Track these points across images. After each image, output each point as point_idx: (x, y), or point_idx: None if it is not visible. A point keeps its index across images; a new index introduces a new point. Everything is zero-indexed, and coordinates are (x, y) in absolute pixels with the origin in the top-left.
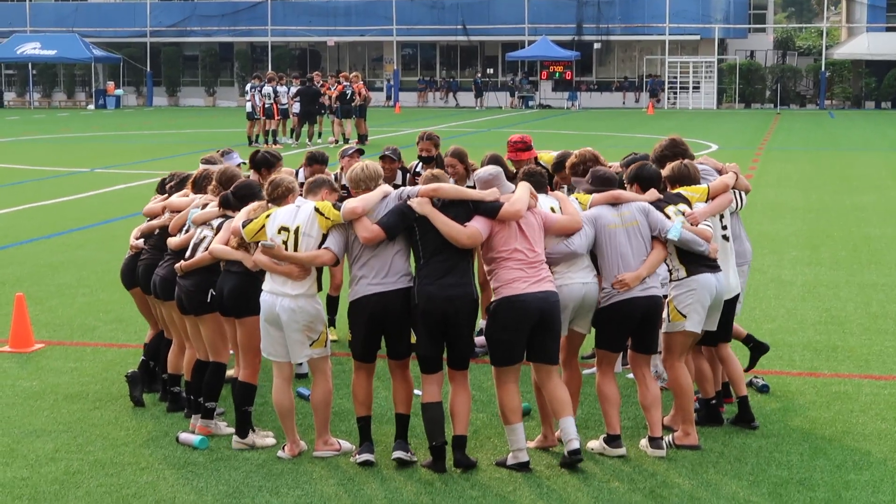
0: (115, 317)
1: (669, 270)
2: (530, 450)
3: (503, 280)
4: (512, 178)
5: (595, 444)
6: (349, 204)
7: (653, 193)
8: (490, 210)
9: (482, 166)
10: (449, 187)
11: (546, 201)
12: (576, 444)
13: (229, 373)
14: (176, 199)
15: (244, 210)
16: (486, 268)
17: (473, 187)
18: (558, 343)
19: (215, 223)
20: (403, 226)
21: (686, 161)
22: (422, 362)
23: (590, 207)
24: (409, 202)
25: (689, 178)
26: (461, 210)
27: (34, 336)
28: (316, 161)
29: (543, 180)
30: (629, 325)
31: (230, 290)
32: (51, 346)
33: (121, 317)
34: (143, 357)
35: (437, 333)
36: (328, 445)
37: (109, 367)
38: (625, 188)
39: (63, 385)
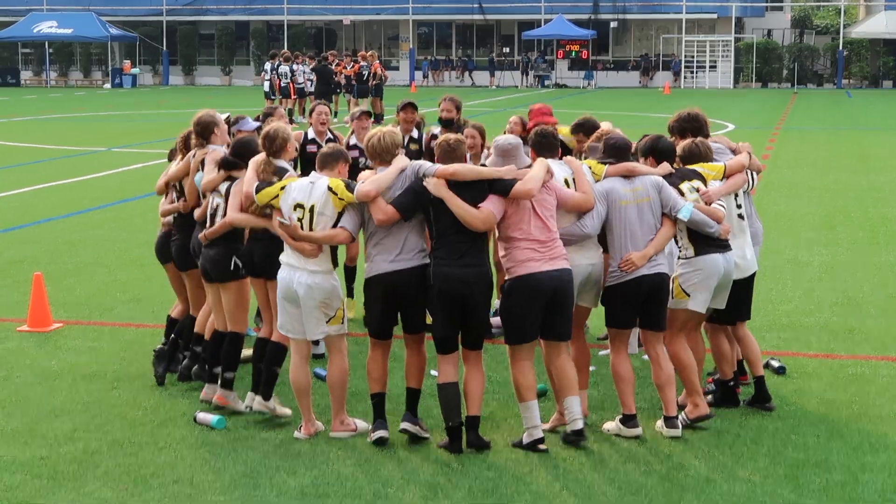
0: (133, 296)
1: (679, 248)
2: (546, 431)
3: (517, 259)
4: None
5: (611, 425)
6: (363, 188)
7: (665, 167)
8: (504, 188)
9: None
10: (466, 169)
11: (560, 171)
12: (580, 424)
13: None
14: (172, 168)
15: (251, 167)
16: (500, 245)
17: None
18: (570, 320)
19: (223, 188)
20: (418, 206)
21: (697, 140)
22: (437, 343)
23: (603, 178)
24: (424, 182)
25: (700, 157)
26: (476, 190)
27: (52, 315)
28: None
29: (555, 142)
30: (636, 302)
31: (261, 254)
32: (69, 326)
33: (139, 296)
34: (172, 335)
35: (454, 314)
36: (344, 426)
37: (127, 346)
38: (638, 160)
39: (81, 365)
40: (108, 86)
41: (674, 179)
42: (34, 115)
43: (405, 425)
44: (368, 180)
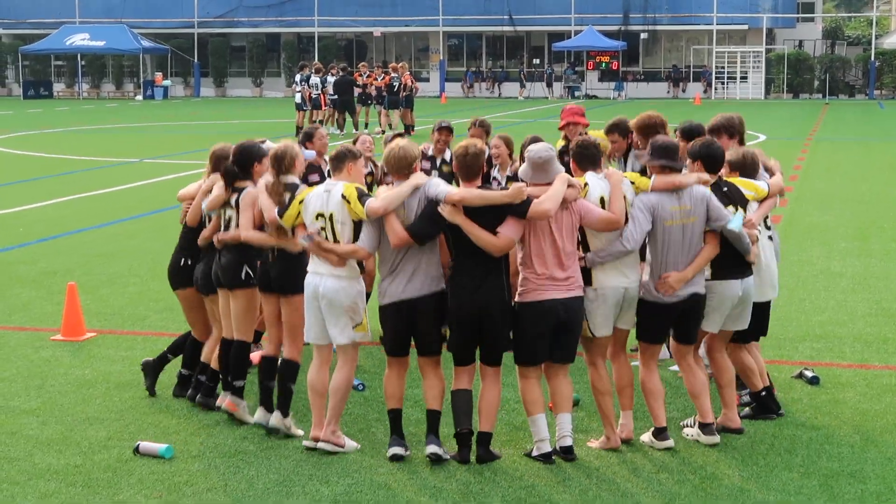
0: (165, 306)
1: None
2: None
3: (532, 283)
4: (564, 151)
5: (646, 437)
6: (372, 204)
7: (704, 179)
8: (520, 210)
9: (524, 147)
10: (474, 195)
11: (597, 188)
12: (568, 441)
13: (256, 355)
14: (183, 190)
15: (261, 189)
16: (518, 264)
17: (515, 177)
18: (576, 344)
19: (232, 200)
20: (435, 233)
21: (755, 151)
22: (454, 355)
23: (651, 192)
24: (439, 208)
25: (749, 170)
26: (494, 213)
27: (86, 325)
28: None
29: (597, 153)
30: (669, 320)
31: (278, 272)
32: (102, 335)
33: (171, 306)
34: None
35: (471, 331)
36: (335, 437)
37: None
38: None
39: (115, 373)
40: (139, 98)
41: (722, 200)
42: (67, 126)
43: (432, 449)
44: (379, 197)
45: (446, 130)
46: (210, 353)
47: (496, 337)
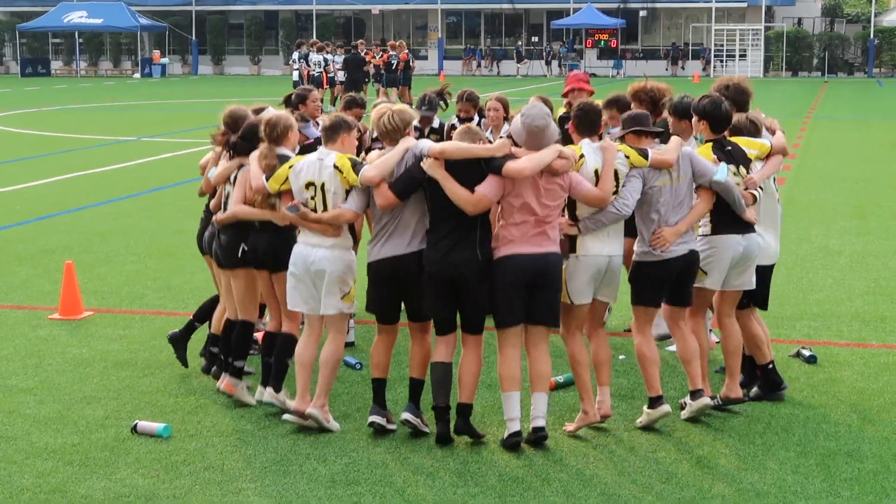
0: (163, 284)
1: (699, 224)
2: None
3: (503, 239)
4: (565, 119)
5: (641, 418)
6: (367, 173)
7: (682, 141)
8: (496, 167)
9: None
10: (454, 148)
11: (593, 161)
12: (541, 422)
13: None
14: (203, 159)
15: (253, 159)
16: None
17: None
18: (557, 303)
19: (233, 177)
20: (415, 187)
21: (751, 115)
22: (434, 324)
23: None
24: (421, 163)
25: (750, 132)
26: (475, 170)
27: (83, 304)
28: (356, 105)
29: (597, 119)
30: (665, 281)
31: (265, 247)
32: (100, 314)
33: (169, 284)
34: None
35: (445, 296)
36: (323, 410)
37: (158, 334)
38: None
39: (112, 352)
40: (137, 75)
41: (724, 159)
42: (64, 104)
43: (406, 416)
44: (373, 165)
45: (425, 119)
46: (218, 324)
47: (472, 300)
